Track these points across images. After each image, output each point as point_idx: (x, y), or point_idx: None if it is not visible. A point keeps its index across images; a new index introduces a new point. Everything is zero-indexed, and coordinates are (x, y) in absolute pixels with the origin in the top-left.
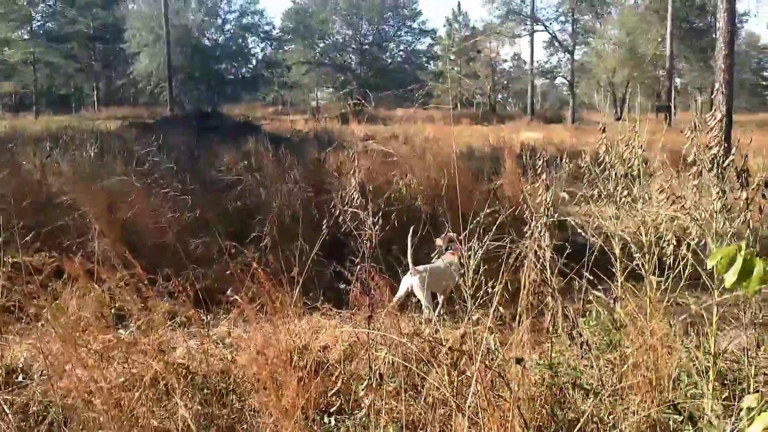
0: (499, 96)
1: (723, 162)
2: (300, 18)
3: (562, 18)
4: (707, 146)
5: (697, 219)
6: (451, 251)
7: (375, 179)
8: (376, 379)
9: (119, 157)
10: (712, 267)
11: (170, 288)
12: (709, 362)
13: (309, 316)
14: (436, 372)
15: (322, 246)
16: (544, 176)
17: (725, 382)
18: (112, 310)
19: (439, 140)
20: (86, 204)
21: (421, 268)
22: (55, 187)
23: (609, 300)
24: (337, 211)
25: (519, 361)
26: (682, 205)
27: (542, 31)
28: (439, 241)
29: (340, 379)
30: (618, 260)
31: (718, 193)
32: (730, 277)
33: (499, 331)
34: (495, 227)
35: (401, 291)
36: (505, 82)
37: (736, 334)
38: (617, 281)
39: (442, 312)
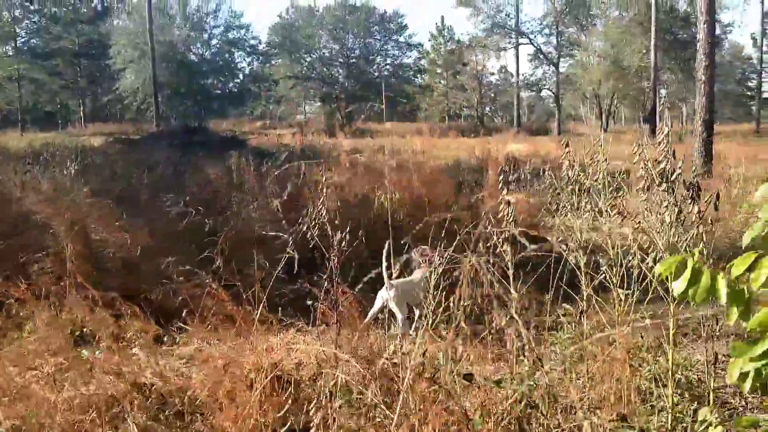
0: (487, 108)
1: (671, 176)
2: (286, 32)
3: (547, 31)
4: (656, 161)
5: (643, 232)
6: (424, 264)
7: (357, 193)
8: (325, 396)
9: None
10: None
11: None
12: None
13: (284, 332)
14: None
15: (299, 262)
16: (505, 191)
17: (685, 395)
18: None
19: (425, 153)
20: (56, 221)
21: (396, 282)
22: (28, 204)
23: (575, 313)
24: (305, 227)
25: (467, 377)
26: (632, 219)
27: (527, 44)
28: (414, 254)
29: (303, 397)
30: (583, 273)
31: (667, 206)
32: (679, 286)
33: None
34: (455, 240)
35: (377, 305)
36: (493, 95)
37: (696, 347)
38: (583, 294)
39: (417, 326)
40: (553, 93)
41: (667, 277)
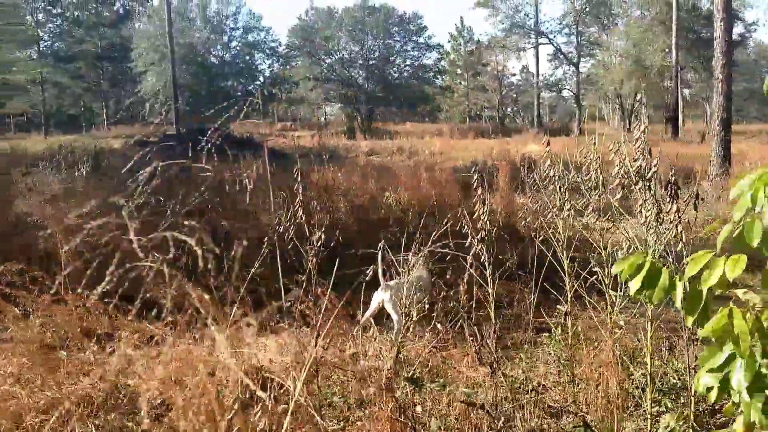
0: (508, 109)
1: (647, 174)
2: (306, 34)
3: (566, 30)
4: (633, 159)
5: (613, 230)
6: (423, 265)
7: (365, 194)
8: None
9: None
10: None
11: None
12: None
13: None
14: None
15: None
16: (479, 191)
17: (665, 400)
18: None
19: (443, 154)
20: (53, 222)
21: (392, 282)
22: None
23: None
24: (281, 228)
25: (413, 381)
26: (608, 218)
27: (546, 44)
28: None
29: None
30: (567, 275)
31: (642, 204)
32: (634, 286)
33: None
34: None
35: (372, 306)
36: (514, 96)
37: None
38: (567, 296)
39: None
40: (574, 93)
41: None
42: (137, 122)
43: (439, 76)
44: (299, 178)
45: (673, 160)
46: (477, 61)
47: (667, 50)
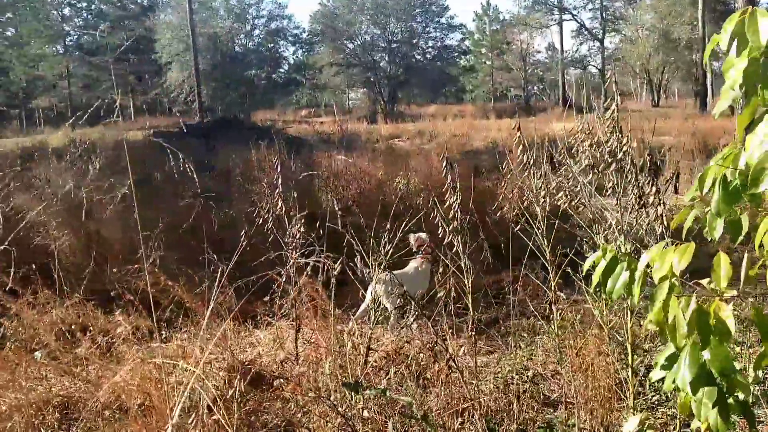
0: (534, 87)
1: (618, 154)
2: (327, 20)
3: (591, 6)
4: (605, 140)
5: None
6: (420, 255)
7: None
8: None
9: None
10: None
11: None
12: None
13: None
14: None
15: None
16: (449, 178)
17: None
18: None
19: (464, 135)
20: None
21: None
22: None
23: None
24: (260, 220)
25: (350, 386)
26: (579, 200)
27: (570, 20)
28: (411, 239)
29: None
30: (550, 264)
31: (612, 187)
32: (594, 280)
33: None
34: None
35: (367, 299)
36: (540, 74)
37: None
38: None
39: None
40: (599, 69)
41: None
42: (162, 114)
43: (463, 57)
44: (279, 168)
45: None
46: (502, 40)
47: (694, 23)
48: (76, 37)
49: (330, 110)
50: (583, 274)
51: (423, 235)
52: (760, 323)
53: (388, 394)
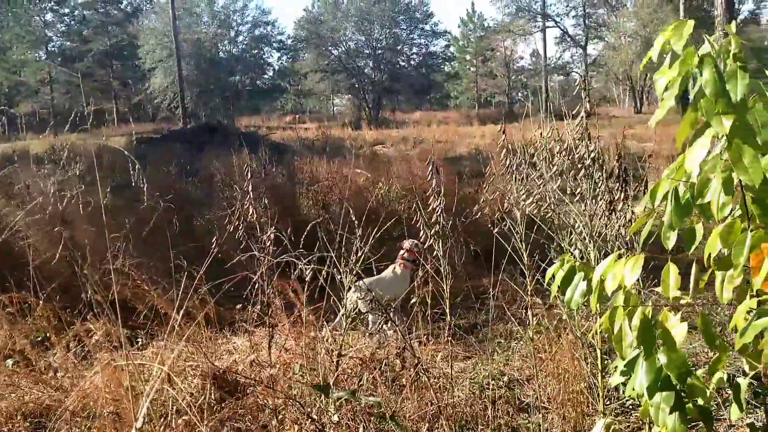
0: (518, 94)
1: (588, 159)
2: (312, 26)
3: (574, 13)
4: (574, 146)
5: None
6: (399, 263)
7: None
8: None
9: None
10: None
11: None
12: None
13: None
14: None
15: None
16: (434, 182)
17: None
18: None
19: (448, 141)
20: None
21: (365, 281)
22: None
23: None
24: (231, 227)
25: (320, 388)
26: (549, 206)
27: (554, 27)
28: (406, 244)
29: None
30: (528, 269)
31: (580, 192)
32: (553, 289)
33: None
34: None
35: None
36: (524, 80)
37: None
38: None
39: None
40: (582, 76)
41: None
42: (146, 120)
43: (447, 63)
44: (249, 175)
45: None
46: (486, 47)
47: None
48: (58, 43)
49: (314, 116)
50: (546, 283)
51: (414, 241)
52: (706, 331)
53: (357, 396)
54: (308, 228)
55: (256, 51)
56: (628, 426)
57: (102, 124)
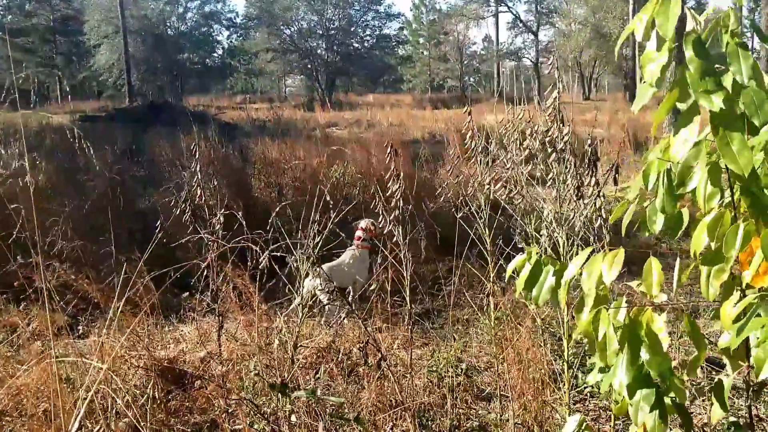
0: (470, 79)
1: (560, 144)
2: (264, 5)
3: None
4: (546, 129)
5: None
6: (357, 244)
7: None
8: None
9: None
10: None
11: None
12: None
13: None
14: None
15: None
16: (393, 166)
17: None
18: None
19: (401, 125)
20: None
21: (325, 267)
22: None
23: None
24: (177, 210)
25: (276, 387)
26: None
27: (506, 12)
28: (362, 223)
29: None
30: (490, 254)
31: (551, 178)
32: (519, 285)
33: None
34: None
35: (304, 293)
36: (477, 65)
37: None
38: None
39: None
40: (533, 62)
41: None
42: (92, 98)
43: (400, 47)
44: (197, 154)
45: (627, 128)
46: (439, 30)
47: (625, 18)
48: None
49: (266, 97)
50: (507, 278)
51: (369, 220)
52: (693, 334)
53: (317, 395)
54: (261, 212)
55: (205, 29)
56: (587, 413)
57: (45, 101)
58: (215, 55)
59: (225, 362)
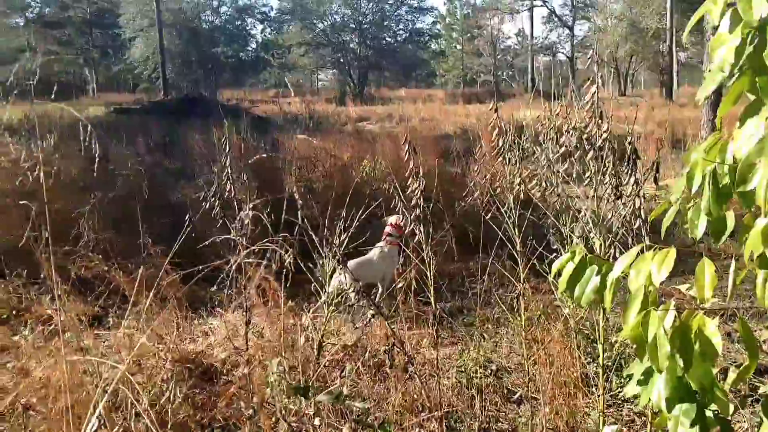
0: (504, 74)
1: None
2: None
3: None
4: (584, 125)
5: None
6: (386, 239)
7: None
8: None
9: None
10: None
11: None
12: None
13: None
14: None
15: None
16: (411, 163)
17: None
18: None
19: (433, 120)
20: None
21: (351, 263)
22: None
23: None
24: (207, 204)
25: (299, 390)
26: (553, 191)
27: (541, 6)
28: (392, 219)
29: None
30: (520, 255)
31: (589, 177)
32: (561, 285)
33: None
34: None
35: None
36: (510, 60)
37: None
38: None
39: (381, 304)
40: (568, 56)
41: None
42: (126, 90)
43: (433, 41)
44: (228, 148)
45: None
46: (473, 25)
47: (663, 12)
48: (37, 9)
49: (298, 91)
50: (552, 276)
51: (393, 218)
52: (748, 339)
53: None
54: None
55: (239, 22)
56: (621, 419)
57: (81, 93)
58: (249, 48)
59: (251, 359)
